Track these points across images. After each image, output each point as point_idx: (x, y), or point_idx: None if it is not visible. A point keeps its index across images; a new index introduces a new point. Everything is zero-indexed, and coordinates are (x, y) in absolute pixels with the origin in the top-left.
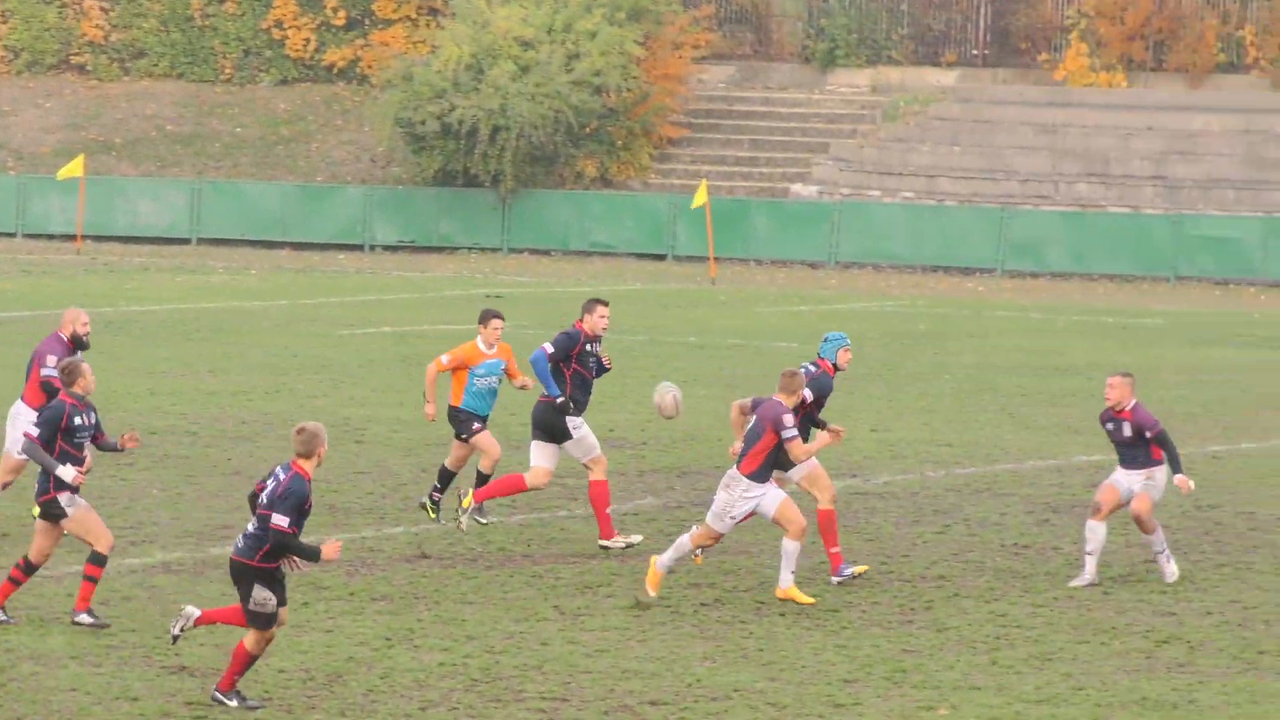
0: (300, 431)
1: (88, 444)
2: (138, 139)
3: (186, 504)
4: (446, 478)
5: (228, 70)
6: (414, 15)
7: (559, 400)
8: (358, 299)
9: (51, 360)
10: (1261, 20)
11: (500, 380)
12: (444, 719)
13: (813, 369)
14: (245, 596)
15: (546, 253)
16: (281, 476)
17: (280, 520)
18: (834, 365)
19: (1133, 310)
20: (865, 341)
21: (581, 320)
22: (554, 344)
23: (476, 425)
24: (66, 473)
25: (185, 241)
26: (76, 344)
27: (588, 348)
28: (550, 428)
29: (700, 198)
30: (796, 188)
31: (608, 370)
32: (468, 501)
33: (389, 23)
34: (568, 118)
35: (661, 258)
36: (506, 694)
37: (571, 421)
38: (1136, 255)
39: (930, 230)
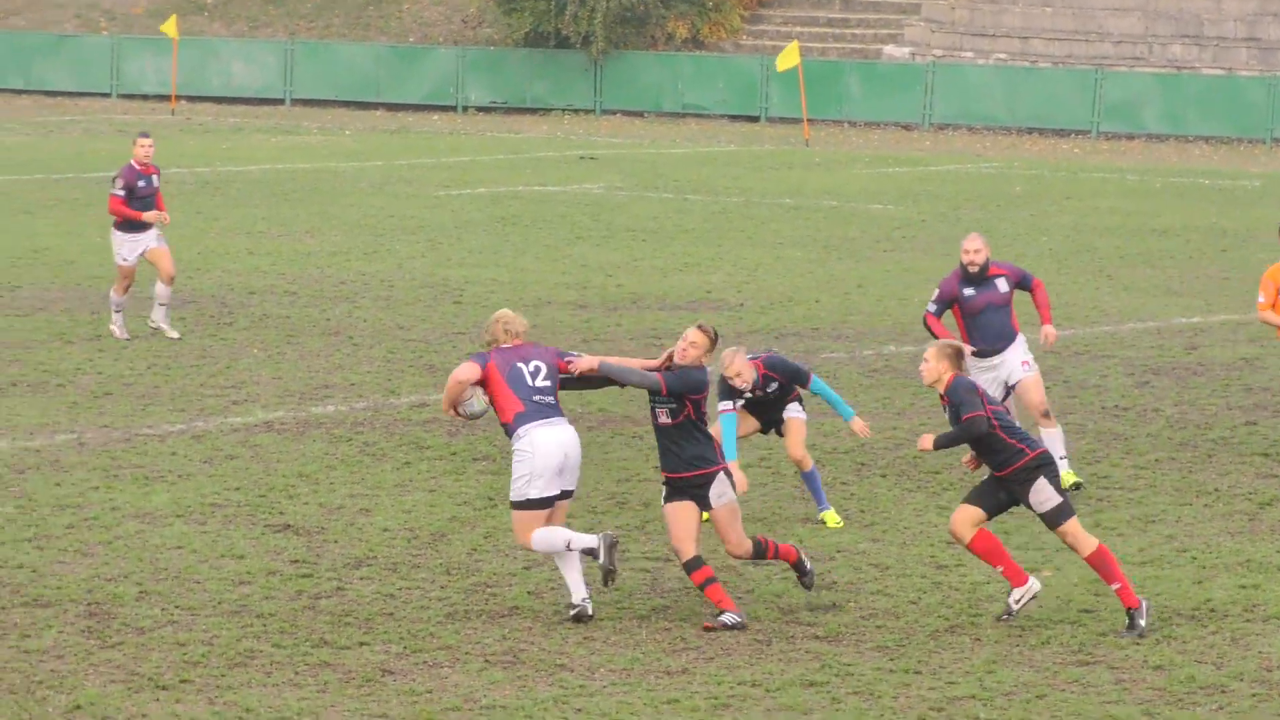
0: None
1: None
2: None
3: (288, 364)
4: None
5: None
6: None
7: None
8: (452, 160)
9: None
10: None
11: None
12: (547, 577)
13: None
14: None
15: (639, 114)
16: None
17: None
18: None
19: (1229, 172)
20: (961, 203)
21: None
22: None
23: None
24: None
25: (279, 102)
26: None
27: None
28: None
29: (790, 58)
30: (889, 49)
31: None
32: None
33: None
34: None
35: (754, 119)
36: None
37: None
38: (1232, 117)
39: (1024, 92)
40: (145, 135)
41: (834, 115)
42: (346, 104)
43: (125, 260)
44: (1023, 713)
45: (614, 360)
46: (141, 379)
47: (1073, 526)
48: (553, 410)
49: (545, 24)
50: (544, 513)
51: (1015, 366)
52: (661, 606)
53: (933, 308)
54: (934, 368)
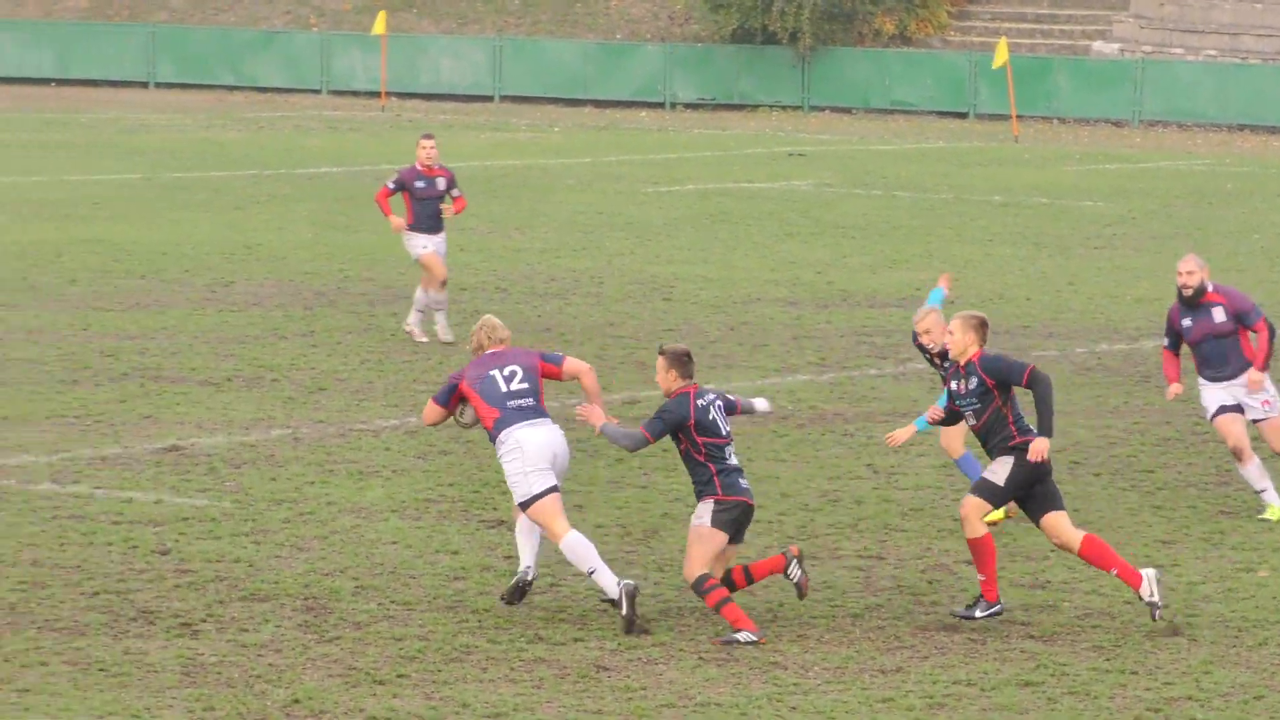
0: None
1: None
2: None
3: None
4: None
5: None
6: None
7: None
8: (660, 156)
9: None
10: None
11: None
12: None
13: None
14: None
15: (847, 110)
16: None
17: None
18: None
19: None
20: (1173, 200)
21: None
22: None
23: None
24: None
25: (487, 99)
26: None
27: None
28: None
29: (1001, 56)
30: (1097, 45)
31: None
32: None
33: None
34: None
35: (963, 115)
36: (822, 552)
37: None
38: None
39: (1235, 88)
40: (427, 136)
41: (1043, 111)
42: (555, 100)
43: (424, 249)
44: (1240, 714)
45: (613, 423)
46: (355, 374)
47: (971, 506)
48: (534, 412)
49: (753, 20)
50: (557, 498)
51: (1254, 403)
52: (875, 605)
53: (1165, 340)
54: (960, 340)
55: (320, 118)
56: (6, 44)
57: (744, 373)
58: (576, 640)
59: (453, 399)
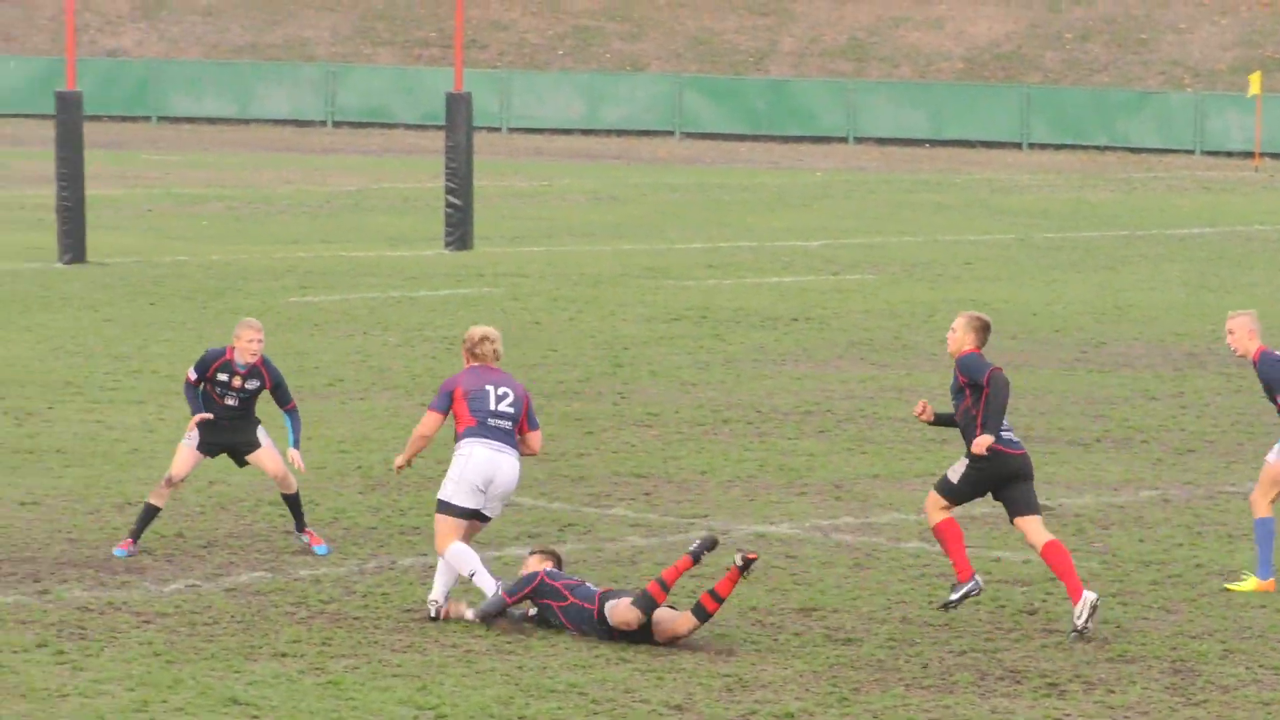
0: None
1: None
2: None
3: None
4: None
5: None
6: None
7: None
8: None
9: None
10: None
11: None
12: None
13: None
14: None
15: None
16: None
17: None
18: None
19: None
20: None
21: None
22: None
23: None
24: None
25: None
26: None
27: None
28: None
29: None
30: None
31: None
32: None
33: None
34: None
35: None
36: None
37: None
38: None
39: None
40: None
41: None
42: None
43: None
44: None
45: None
46: (1225, 436)
47: (933, 500)
48: (502, 435)
49: None
50: (462, 523)
51: None
52: None
53: None
54: (959, 338)
55: (1193, 178)
56: (881, 105)
57: None
58: None
59: (451, 406)
